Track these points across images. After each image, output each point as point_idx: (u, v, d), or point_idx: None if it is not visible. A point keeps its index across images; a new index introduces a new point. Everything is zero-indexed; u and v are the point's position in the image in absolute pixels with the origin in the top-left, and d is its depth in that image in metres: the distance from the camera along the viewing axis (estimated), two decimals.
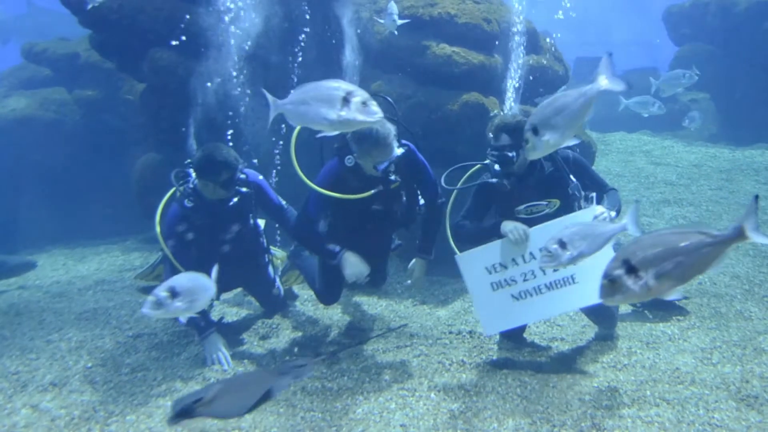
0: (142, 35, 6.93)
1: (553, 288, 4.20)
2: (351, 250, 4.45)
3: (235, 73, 6.21)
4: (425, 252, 4.67)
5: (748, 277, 5.65)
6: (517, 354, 4.54)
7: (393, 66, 6.72)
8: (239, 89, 6.25)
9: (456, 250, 4.50)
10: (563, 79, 7.62)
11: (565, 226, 3.53)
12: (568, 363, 4.32)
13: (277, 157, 6.05)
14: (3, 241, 8.68)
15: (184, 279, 3.87)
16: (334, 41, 6.34)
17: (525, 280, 4.23)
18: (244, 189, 4.69)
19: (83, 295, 6.34)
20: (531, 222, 4.36)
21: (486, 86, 6.42)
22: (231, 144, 5.31)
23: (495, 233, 4.26)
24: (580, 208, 4.29)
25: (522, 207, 4.38)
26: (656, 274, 2.56)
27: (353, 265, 4.36)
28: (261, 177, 4.92)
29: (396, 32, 6.15)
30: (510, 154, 4.22)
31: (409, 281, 4.76)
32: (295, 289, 5.76)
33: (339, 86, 3.39)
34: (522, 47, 6.48)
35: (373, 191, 4.34)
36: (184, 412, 3.73)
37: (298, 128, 4.42)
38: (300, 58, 6.51)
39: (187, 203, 4.57)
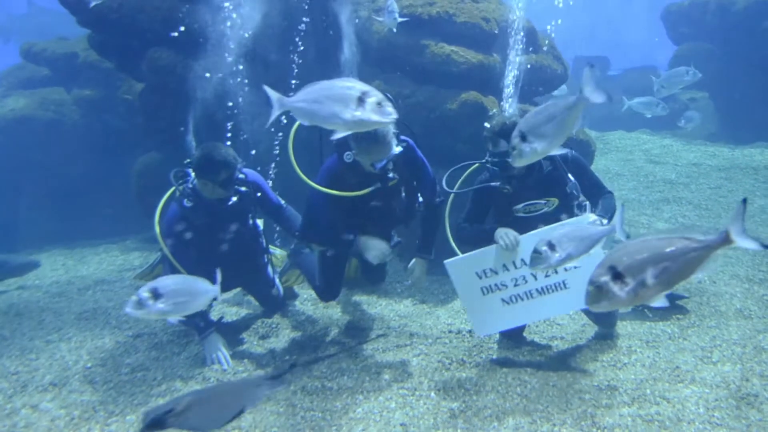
0: (141, 35, 6.93)
1: (545, 293, 4.24)
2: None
3: (234, 72, 6.21)
4: (425, 252, 4.67)
5: (747, 275, 5.65)
6: (517, 353, 4.54)
7: (391, 65, 6.71)
8: (238, 88, 6.25)
9: (457, 250, 4.52)
10: (562, 77, 7.61)
11: (553, 228, 3.55)
12: (568, 362, 4.32)
13: (276, 148, 6.03)
14: (2, 241, 8.68)
15: (169, 281, 3.84)
16: (332, 40, 6.33)
17: (516, 285, 4.26)
18: (243, 188, 4.69)
19: (83, 295, 6.34)
20: (529, 220, 4.38)
21: (485, 85, 6.41)
22: (229, 143, 5.31)
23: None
24: (580, 207, 4.30)
25: (520, 206, 4.40)
26: (642, 280, 2.56)
27: (373, 247, 4.38)
28: (259, 176, 4.92)
29: (395, 30, 6.15)
30: (510, 160, 4.21)
31: (409, 281, 4.77)
32: (296, 288, 5.76)
33: (354, 86, 3.35)
34: (521, 46, 6.48)
35: (370, 189, 4.34)
36: (154, 423, 3.65)
37: (295, 127, 4.42)
38: (299, 57, 6.50)
39: (187, 203, 4.57)
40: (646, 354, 4.34)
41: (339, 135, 3.56)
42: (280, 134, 5.90)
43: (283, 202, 4.96)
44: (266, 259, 5.17)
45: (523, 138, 3.34)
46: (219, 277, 4.07)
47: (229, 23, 6.09)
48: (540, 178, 4.36)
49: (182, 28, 6.53)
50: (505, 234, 4.16)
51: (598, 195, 4.42)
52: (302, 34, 6.54)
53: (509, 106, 5.94)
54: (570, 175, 4.37)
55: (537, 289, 4.24)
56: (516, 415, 3.61)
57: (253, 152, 5.96)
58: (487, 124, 4.35)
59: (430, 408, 3.79)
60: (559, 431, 3.43)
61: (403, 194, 4.66)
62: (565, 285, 4.18)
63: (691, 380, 3.92)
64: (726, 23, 12.15)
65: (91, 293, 6.40)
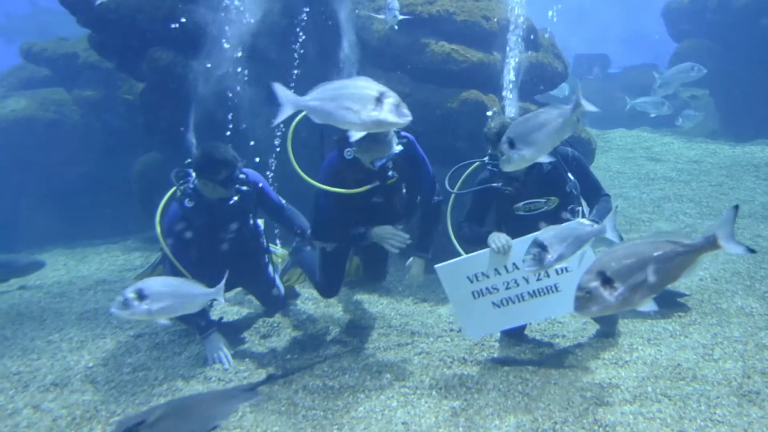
0: (141, 34, 6.93)
1: (537, 296, 4.26)
2: (339, 236, 4.55)
3: (234, 71, 6.21)
4: (423, 251, 4.67)
5: (749, 273, 5.65)
6: (519, 351, 4.54)
7: (392, 64, 6.71)
8: (239, 86, 6.25)
9: (460, 249, 4.53)
10: (562, 76, 7.61)
11: (545, 230, 3.56)
12: (569, 360, 4.32)
13: (277, 147, 6.03)
14: (4, 241, 8.69)
15: (155, 282, 3.83)
16: (332, 38, 6.34)
17: (507, 288, 4.27)
18: (244, 188, 4.68)
19: (84, 295, 6.35)
20: (530, 219, 4.39)
21: (485, 84, 6.41)
22: (230, 144, 5.31)
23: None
24: (573, 213, 4.33)
25: (521, 204, 4.42)
26: (631, 284, 2.57)
27: (391, 236, 4.38)
28: (260, 176, 4.92)
29: (396, 27, 6.14)
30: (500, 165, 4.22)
31: (406, 279, 4.77)
32: (297, 288, 5.76)
33: (371, 85, 3.34)
34: (521, 44, 6.48)
35: (369, 186, 4.35)
36: None
37: (293, 124, 4.43)
38: (299, 55, 6.50)
39: (188, 203, 4.56)
40: (648, 352, 4.34)
41: (357, 135, 3.53)
42: (279, 133, 5.91)
43: (283, 201, 4.96)
44: (267, 259, 5.17)
45: (512, 144, 3.38)
46: (223, 279, 4.07)
47: (229, 22, 6.09)
48: (540, 178, 4.36)
49: (182, 28, 6.54)
50: (497, 238, 4.19)
51: (595, 197, 4.45)
52: (302, 32, 6.54)
53: (510, 105, 5.95)
54: (570, 175, 4.37)
55: (529, 292, 4.25)
56: (518, 414, 3.61)
57: (257, 159, 5.94)
58: (488, 126, 4.36)
59: (431, 406, 3.79)
60: (560, 429, 3.43)
61: (404, 190, 4.67)
62: (557, 288, 4.21)
63: (693, 378, 3.91)
64: (726, 20, 12.14)
65: (93, 293, 6.41)
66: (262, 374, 4.36)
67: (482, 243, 4.29)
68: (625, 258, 2.60)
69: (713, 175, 9.21)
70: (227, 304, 5.61)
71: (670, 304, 5.04)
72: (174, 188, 4.69)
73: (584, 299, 2.63)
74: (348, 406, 3.86)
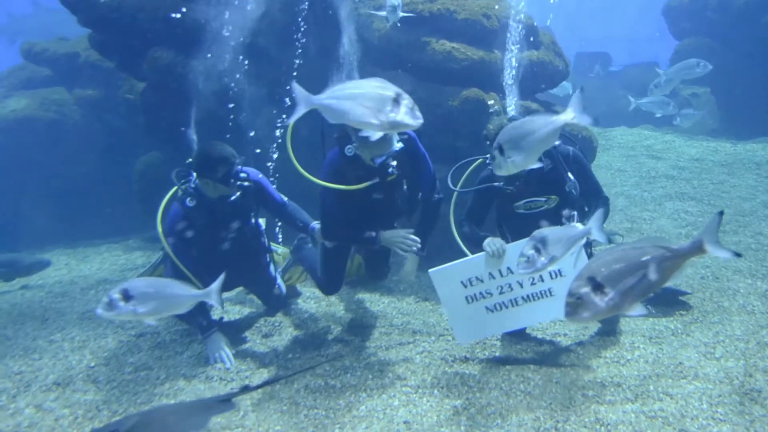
0: (142, 34, 6.93)
1: (530, 300, 4.27)
2: (348, 237, 4.59)
3: (234, 70, 6.21)
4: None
5: (750, 271, 5.64)
6: (520, 350, 4.54)
7: (392, 62, 6.70)
8: (239, 85, 6.25)
9: (464, 248, 4.54)
10: (563, 74, 7.60)
11: (538, 232, 3.57)
12: (571, 358, 4.32)
13: (279, 146, 6.03)
14: (5, 241, 8.69)
15: (141, 282, 3.80)
16: (333, 36, 6.34)
17: (501, 293, 4.29)
18: (246, 183, 4.68)
19: (86, 295, 6.35)
20: (531, 217, 4.41)
21: (486, 82, 6.41)
22: (230, 141, 5.31)
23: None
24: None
25: (521, 203, 4.45)
26: (621, 289, 2.58)
27: (401, 240, 4.38)
28: (261, 175, 4.92)
29: (399, 24, 6.13)
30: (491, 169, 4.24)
31: (398, 275, 4.77)
32: (298, 287, 5.76)
33: (387, 87, 3.35)
34: (522, 42, 6.47)
35: (368, 183, 4.37)
36: None
37: (292, 122, 4.44)
38: (299, 54, 6.50)
39: (189, 202, 4.57)
40: (650, 350, 4.34)
41: (377, 136, 3.59)
42: (280, 131, 5.91)
43: (285, 198, 4.96)
44: (268, 258, 5.18)
45: (501, 150, 3.45)
46: (220, 281, 4.00)
47: (229, 21, 6.09)
48: (541, 177, 4.38)
49: (183, 28, 6.54)
50: (492, 242, 4.22)
51: (594, 198, 4.47)
52: (303, 30, 6.54)
53: (511, 104, 5.95)
54: (570, 174, 4.39)
55: (522, 297, 4.27)
56: (519, 412, 3.61)
57: (258, 150, 5.95)
58: (488, 126, 4.38)
59: (433, 405, 3.79)
60: (562, 428, 3.42)
61: (405, 187, 4.69)
62: (550, 293, 4.21)
63: (695, 376, 3.91)
64: (727, 18, 12.12)
65: (94, 293, 6.41)
66: (263, 373, 4.37)
67: (478, 246, 4.31)
68: (615, 263, 2.62)
69: (714, 173, 9.20)
70: (229, 304, 5.61)
71: (671, 302, 5.05)
72: (175, 188, 4.70)
73: (575, 305, 2.64)
74: (350, 405, 3.87)
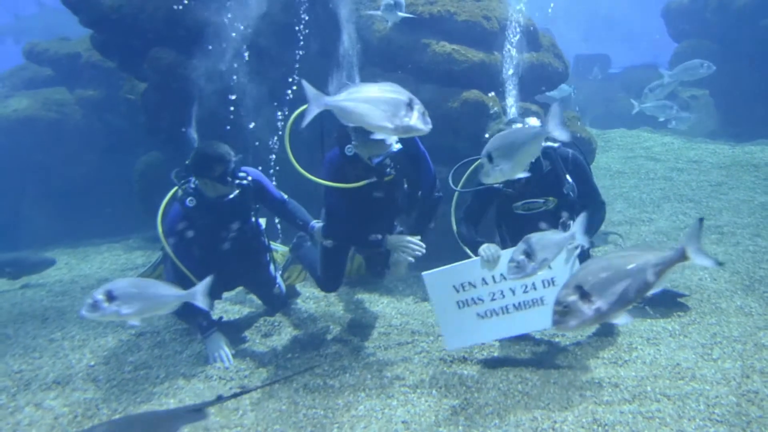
0: (143, 34, 6.95)
1: (521, 308, 4.27)
2: (352, 236, 4.63)
3: (235, 70, 6.23)
4: None
5: (748, 272, 5.66)
6: (518, 350, 4.55)
7: (393, 64, 6.73)
8: (240, 85, 6.27)
9: (469, 252, 4.56)
10: (563, 76, 7.63)
11: (527, 237, 3.60)
12: (568, 359, 4.33)
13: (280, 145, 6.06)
14: (6, 240, 8.71)
15: (124, 283, 3.75)
16: (333, 37, 6.36)
17: (493, 300, 4.29)
18: (245, 182, 4.69)
19: (86, 294, 6.36)
20: (530, 218, 4.43)
21: (486, 84, 6.43)
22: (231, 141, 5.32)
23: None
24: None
25: (519, 204, 4.49)
26: (608, 298, 2.61)
27: (406, 246, 4.41)
28: (260, 173, 4.93)
29: (398, 23, 6.13)
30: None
31: (391, 271, 4.79)
32: (297, 287, 5.77)
33: (401, 91, 3.38)
34: (522, 44, 6.50)
35: (365, 182, 4.41)
36: None
37: (290, 121, 4.48)
38: (300, 54, 6.52)
39: (189, 202, 4.58)
40: (647, 351, 4.35)
41: (393, 139, 3.68)
42: (281, 131, 5.93)
43: (285, 196, 4.98)
44: (268, 258, 5.19)
45: (490, 158, 3.52)
46: (206, 282, 3.91)
47: (230, 21, 6.11)
48: (540, 178, 4.41)
49: (184, 28, 6.55)
50: (487, 247, 4.23)
51: (591, 202, 4.50)
52: (303, 31, 6.56)
53: (511, 105, 5.97)
54: (568, 176, 4.42)
55: (514, 305, 4.27)
56: (517, 413, 3.63)
57: (257, 143, 5.97)
58: (490, 128, 4.42)
59: (431, 405, 3.81)
60: (560, 428, 3.44)
61: (406, 185, 4.73)
62: (542, 302, 4.21)
63: (692, 377, 3.93)
64: (726, 20, 12.15)
65: None
66: (262, 373, 4.39)
67: (474, 249, 4.33)
68: (601, 272, 2.65)
69: (713, 175, 9.22)
70: (228, 303, 5.62)
71: (669, 303, 5.06)
72: (175, 188, 4.71)
73: (562, 313, 2.67)
74: (348, 404, 3.88)
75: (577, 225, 3.53)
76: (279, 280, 5.30)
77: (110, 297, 3.59)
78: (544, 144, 4.47)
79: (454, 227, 4.74)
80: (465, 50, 6.45)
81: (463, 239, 4.58)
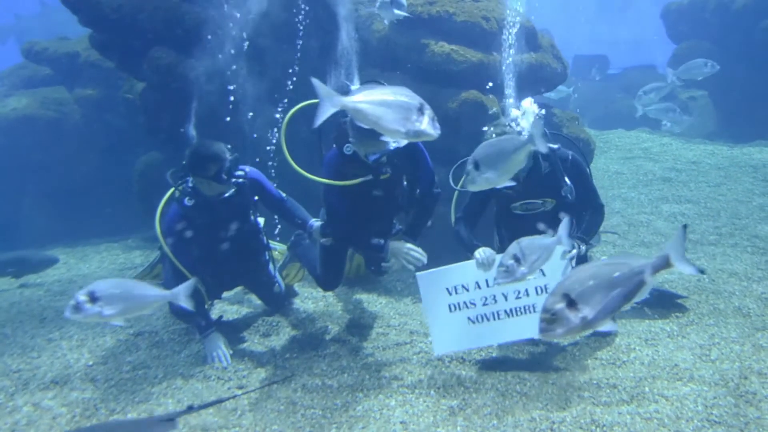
0: (142, 34, 6.94)
1: (513, 315, 4.29)
2: (352, 236, 4.64)
3: (234, 69, 6.23)
4: (410, 237, 4.74)
5: (746, 273, 5.67)
6: (516, 351, 4.56)
7: (392, 64, 6.73)
8: (239, 85, 6.27)
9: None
10: (561, 76, 7.63)
11: (517, 242, 3.61)
12: (567, 360, 4.34)
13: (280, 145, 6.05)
14: (5, 240, 8.69)
15: (107, 284, 3.71)
16: (332, 37, 6.36)
17: (485, 305, 4.30)
18: (240, 180, 4.69)
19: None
20: (528, 218, 4.44)
21: (485, 84, 6.43)
22: (231, 140, 5.32)
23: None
24: (579, 211, 4.38)
25: (518, 204, 4.50)
26: (594, 305, 2.63)
27: (407, 253, 4.41)
28: (259, 172, 4.93)
29: (396, 22, 6.12)
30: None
31: (386, 264, 4.78)
32: (296, 287, 5.77)
33: (413, 96, 3.40)
34: (521, 45, 6.50)
35: (362, 179, 4.42)
36: None
37: (286, 119, 4.49)
38: (299, 53, 6.52)
39: (187, 202, 4.58)
40: (645, 352, 4.36)
41: (402, 143, 3.74)
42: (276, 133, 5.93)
43: (283, 194, 4.98)
44: (267, 257, 5.19)
45: (477, 166, 3.57)
46: (190, 284, 3.87)
47: (229, 21, 6.11)
48: (539, 180, 4.42)
49: (183, 28, 6.55)
50: (483, 250, 4.24)
51: (589, 205, 4.50)
52: (303, 30, 6.56)
53: (510, 106, 5.97)
54: (567, 179, 4.43)
55: (506, 311, 4.28)
56: (515, 413, 3.63)
57: (255, 135, 5.98)
58: (485, 128, 4.42)
59: (429, 406, 3.81)
60: (558, 429, 3.45)
61: (405, 183, 4.74)
62: (534, 309, 4.23)
63: (690, 378, 3.93)
64: (725, 22, 12.16)
65: None
66: (261, 373, 4.39)
67: (469, 251, 4.34)
68: (588, 280, 2.67)
69: (711, 176, 9.23)
70: (227, 303, 5.62)
71: (667, 304, 5.07)
72: (173, 188, 4.71)
73: (550, 321, 2.68)
74: (346, 405, 3.88)
75: (562, 229, 3.55)
76: (279, 278, 5.30)
77: (93, 298, 3.56)
78: None
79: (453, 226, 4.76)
80: (464, 51, 6.45)
81: (459, 240, 4.58)
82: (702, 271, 2.73)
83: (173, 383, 4.27)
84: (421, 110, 3.37)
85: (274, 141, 6.11)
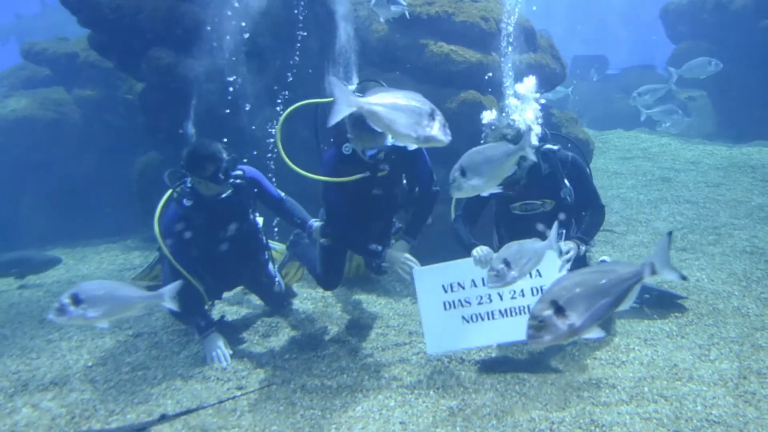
0: (141, 34, 6.95)
1: (507, 315, 4.27)
2: (352, 235, 4.65)
3: (233, 69, 6.23)
4: (410, 236, 4.75)
5: (745, 274, 5.67)
6: (516, 351, 4.55)
7: (391, 64, 6.73)
8: (238, 85, 6.27)
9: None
10: (560, 77, 7.64)
11: (507, 246, 3.63)
12: (566, 360, 4.34)
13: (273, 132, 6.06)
14: (4, 240, 8.69)
15: (91, 286, 3.71)
16: (331, 37, 6.37)
17: (480, 304, 4.29)
18: (238, 180, 4.68)
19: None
20: (528, 219, 4.45)
21: (484, 84, 6.44)
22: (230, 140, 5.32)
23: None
24: (578, 213, 4.38)
25: (517, 204, 4.51)
26: (582, 312, 2.66)
27: (403, 263, 4.44)
28: (258, 172, 4.93)
29: (392, 20, 6.12)
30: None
31: (385, 262, 4.78)
32: (295, 287, 5.78)
33: (424, 101, 3.41)
34: (520, 45, 6.50)
35: (359, 176, 4.43)
36: None
37: (282, 118, 4.49)
38: (299, 53, 6.52)
39: (186, 202, 4.58)
40: (645, 352, 4.36)
41: (413, 146, 3.71)
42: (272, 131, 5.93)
43: (282, 194, 4.98)
44: (267, 256, 5.19)
45: (463, 173, 3.61)
46: (175, 285, 3.87)
47: (228, 21, 6.11)
48: (538, 181, 4.43)
49: (182, 28, 6.55)
50: (480, 248, 4.24)
51: (589, 206, 4.51)
52: (302, 30, 6.56)
53: (508, 106, 5.97)
54: (566, 180, 4.43)
55: (500, 311, 4.27)
56: (515, 413, 3.63)
57: (255, 152, 5.97)
58: (490, 131, 4.42)
59: (429, 406, 3.81)
60: (557, 429, 3.45)
61: (404, 181, 4.74)
62: (528, 310, 4.19)
63: (689, 378, 3.94)
64: (724, 22, 12.17)
65: None
66: (260, 373, 4.39)
67: (467, 250, 4.34)
68: (575, 287, 2.70)
69: (710, 176, 9.23)
70: (227, 304, 5.62)
71: (666, 305, 5.07)
72: (170, 190, 4.70)
73: (537, 328, 2.70)
74: (346, 405, 3.88)
75: (553, 233, 3.58)
76: (278, 278, 5.30)
77: (76, 300, 3.55)
78: (544, 147, 4.51)
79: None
80: (463, 51, 6.46)
81: (458, 238, 4.58)
82: (684, 278, 2.78)
83: (172, 384, 4.27)
84: (432, 116, 3.38)
85: (273, 140, 6.11)
